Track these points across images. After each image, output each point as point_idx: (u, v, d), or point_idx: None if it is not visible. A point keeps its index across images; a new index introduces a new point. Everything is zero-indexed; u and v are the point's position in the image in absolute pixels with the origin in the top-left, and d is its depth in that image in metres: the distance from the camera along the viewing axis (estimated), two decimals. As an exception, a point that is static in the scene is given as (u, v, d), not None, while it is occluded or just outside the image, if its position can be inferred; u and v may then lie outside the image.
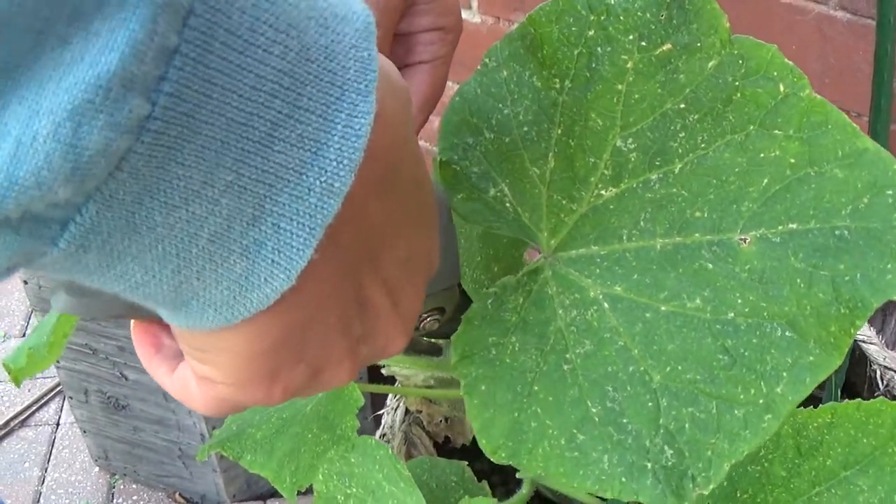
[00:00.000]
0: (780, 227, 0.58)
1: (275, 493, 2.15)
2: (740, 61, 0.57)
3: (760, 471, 0.79)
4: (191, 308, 0.37)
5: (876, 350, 1.21)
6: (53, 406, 2.46)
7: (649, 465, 0.58)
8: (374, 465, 0.81)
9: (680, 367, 0.58)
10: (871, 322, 1.34)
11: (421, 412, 1.06)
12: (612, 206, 0.60)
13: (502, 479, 1.00)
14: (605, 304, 0.59)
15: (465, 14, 1.85)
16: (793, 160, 0.58)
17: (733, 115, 0.58)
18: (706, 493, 0.58)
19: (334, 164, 0.35)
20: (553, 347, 0.59)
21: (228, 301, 0.37)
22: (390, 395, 1.09)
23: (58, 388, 2.41)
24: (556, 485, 0.96)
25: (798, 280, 0.58)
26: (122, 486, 2.23)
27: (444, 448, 1.06)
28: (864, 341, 1.20)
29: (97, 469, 2.26)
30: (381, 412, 1.10)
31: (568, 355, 0.59)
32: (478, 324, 0.60)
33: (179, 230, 0.34)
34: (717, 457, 0.58)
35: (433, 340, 0.85)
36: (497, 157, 0.62)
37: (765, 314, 0.58)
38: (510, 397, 0.59)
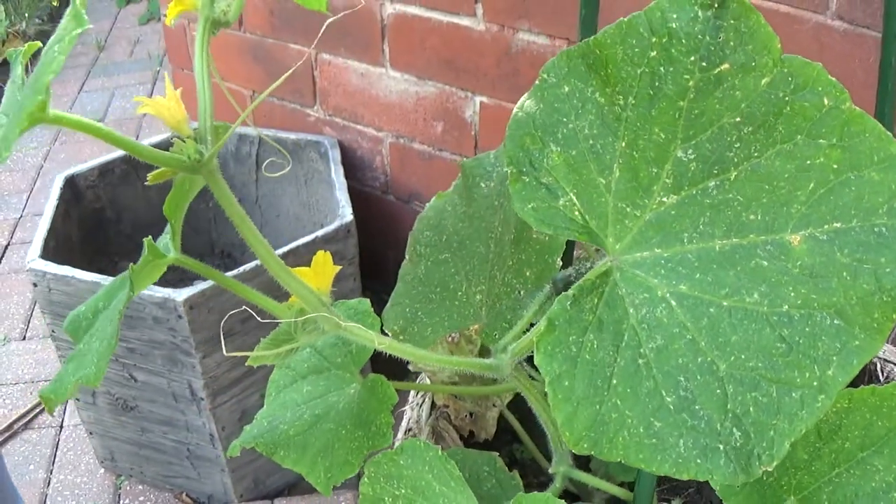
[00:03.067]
0: (826, 227, 0.64)
1: (281, 493, 2.19)
2: (790, 78, 0.63)
3: (787, 455, 0.86)
4: None
5: None
6: (56, 408, 2.44)
7: (721, 446, 0.63)
8: (423, 466, 0.86)
9: (743, 357, 0.64)
10: None
11: (448, 406, 1.11)
12: (673, 212, 0.66)
13: (523, 471, 1.05)
14: (673, 302, 0.65)
15: (469, 21, 1.89)
16: (836, 166, 0.64)
17: (783, 127, 0.64)
18: (770, 469, 0.64)
19: None
20: (628, 343, 0.65)
21: None
22: (412, 392, 1.14)
23: (60, 390, 2.43)
24: (600, 470, 1.02)
25: (844, 273, 0.64)
26: (128, 487, 2.25)
27: (469, 442, 1.11)
28: None
29: (103, 470, 2.28)
30: (402, 409, 1.15)
31: (641, 350, 0.65)
32: (559, 324, 0.65)
33: None
34: (778, 436, 0.64)
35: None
36: (564, 168, 0.67)
37: (815, 305, 0.64)
38: (592, 391, 0.64)
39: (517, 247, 0.93)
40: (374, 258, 2.22)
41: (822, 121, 0.64)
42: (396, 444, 1.00)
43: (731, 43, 0.63)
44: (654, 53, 0.64)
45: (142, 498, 2.22)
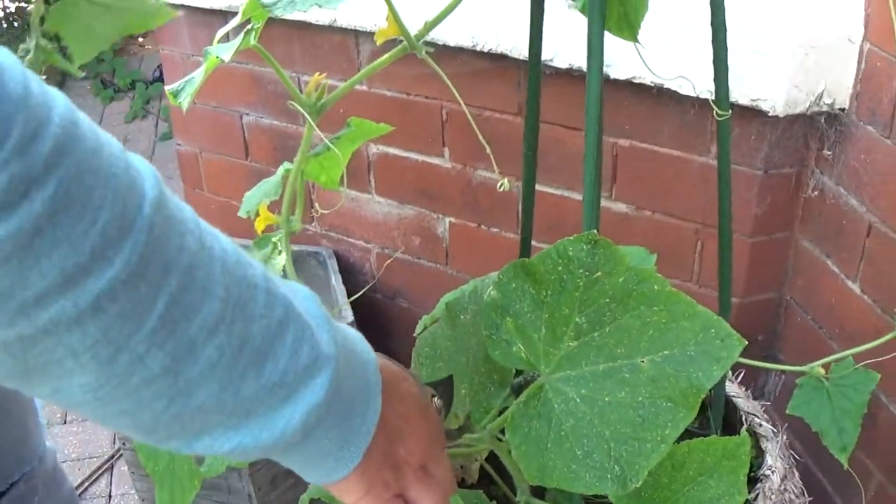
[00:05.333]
0: (660, 354, 1.17)
1: None
2: (635, 276, 1.17)
3: (653, 480, 1.39)
4: (319, 477, 0.88)
5: (742, 402, 1.85)
6: (104, 480, 2.77)
7: (609, 475, 1.16)
8: (442, 496, 1.38)
9: (618, 426, 1.16)
10: (746, 383, 1.97)
11: (447, 462, 1.65)
12: (576, 351, 1.19)
13: (499, 501, 1.58)
14: (578, 400, 1.18)
15: (438, 160, 2.37)
16: (664, 321, 1.17)
17: (633, 302, 1.17)
18: (638, 486, 1.17)
19: (368, 423, 0.87)
20: (555, 425, 1.18)
21: (333, 472, 0.88)
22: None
23: (107, 465, 2.79)
24: (550, 497, 1.55)
25: (671, 378, 1.17)
26: None
27: (461, 485, 1.65)
28: (735, 396, 1.85)
29: None
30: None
31: (562, 428, 1.18)
32: (516, 417, 1.19)
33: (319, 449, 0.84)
34: (640, 468, 1.16)
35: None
36: (515, 330, 1.20)
37: (657, 397, 1.17)
38: (538, 451, 1.17)
39: (487, 361, 1.45)
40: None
41: (654, 297, 1.17)
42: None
43: (602, 261, 1.17)
44: (560, 268, 1.18)
45: None
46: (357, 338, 0.90)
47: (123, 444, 2.35)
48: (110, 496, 2.74)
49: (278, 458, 0.85)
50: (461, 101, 1.37)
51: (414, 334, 1.61)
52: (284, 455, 0.83)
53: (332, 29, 2.42)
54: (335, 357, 0.79)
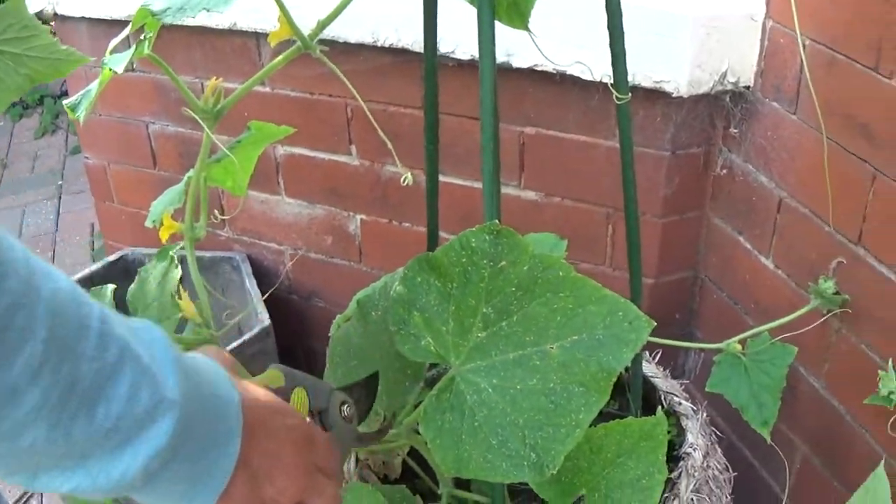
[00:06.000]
0: (569, 339, 1.17)
1: None
2: (540, 264, 1.17)
3: (572, 464, 1.40)
4: None
5: (660, 382, 1.86)
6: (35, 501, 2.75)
7: (525, 463, 1.16)
8: (362, 499, 1.37)
9: (532, 414, 1.16)
10: (665, 362, 1.99)
11: (367, 459, 1.64)
12: (485, 341, 1.19)
13: (422, 495, 1.57)
14: (490, 390, 1.18)
15: (346, 159, 2.38)
16: (571, 306, 1.17)
17: (539, 290, 1.17)
18: (555, 472, 1.16)
19: (224, 466, 0.83)
20: (468, 416, 1.17)
21: None
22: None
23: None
24: (475, 487, 1.55)
25: (582, 363, 1.17)
26: None
27: (384, 481, 1.64)
28: (653, 376, 1.86)
29: None
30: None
31: (476, 418, 1.17)
32: (429, 410, 1.18)
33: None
34: (556, 454, 1.16)
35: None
36: (423, 324, 1.20)
37: (568, 382, 1.17)
38: (453, 443, 1.17)
39: (399, 356, 1.45)
40: (284, 348, 2.59)
41: (560, 284, 1.17)
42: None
43: (505, 250, 1.16)
44: (464, 259, 1.17)
45: None
46: (217, 378, 0.87)
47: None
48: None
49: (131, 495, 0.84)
50: (359, 98, 1.36)
51: (329, 334, 1.60)
52: (134, 494, 0.82)
53: (232, 32, 2.39)
54: (180, 402, 0.76)
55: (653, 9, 1.88)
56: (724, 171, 2.03)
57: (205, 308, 1.29)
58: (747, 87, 1.94)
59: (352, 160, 2.38)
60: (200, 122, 1.20)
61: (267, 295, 2.01)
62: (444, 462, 1.17)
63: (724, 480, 1.76)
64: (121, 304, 1.34)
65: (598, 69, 1.81)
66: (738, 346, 1.83)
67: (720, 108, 1.99)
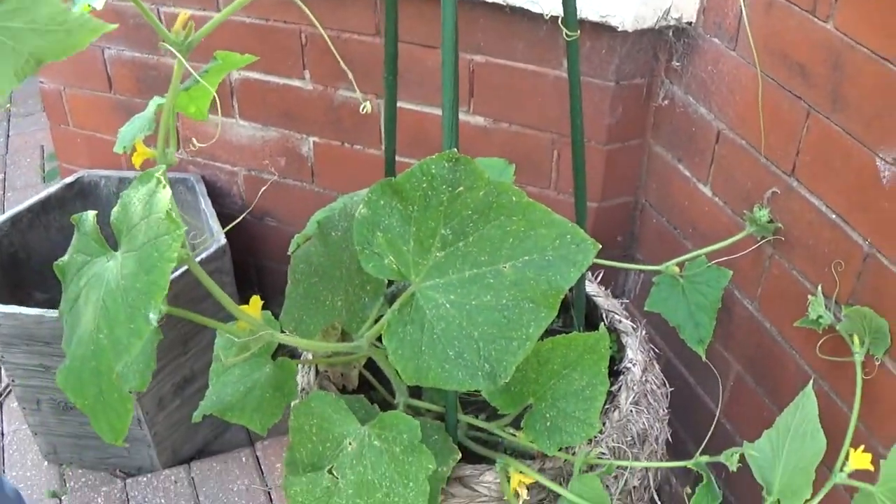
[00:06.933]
0: (521, 259, 1.26)
1: (194, 457, 2.62)
2: (495, 190, 1.25)
3: (522, 375, 1.50)
4: None
5: (602, 301, 1.96)
6: None
7: (480, 373, 1.25)
8: (325, 406, 1.46)
9: (486, 328, 1.25)
10: (607, 283, 2.08)
11: (327, 371, 1.73)
12: (443, 260, 1.28)
13: (379, 405, 1.67)
14: (448, 305, 1.27)
15: (300, 83, 2.42)
16: (523, 229, 1.26)
17: (493, 213, 1.26)
18: (507, 381, 1.26)
19: None
20: (427, 329, 1.26)
21: None
22: (301, 364, 1.75)
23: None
24: (426, 397, 1.64)
25: (532, 281, 1.26)
26: (70, 473, 2.59)
27: (343, 391, 1.73)
28: (595, 296, 1.96)
29: (47, 463, 2.60)
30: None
31: (434, 331, 1.26)
32: (392, 323, 1.27)
33: None
34: (508, 364, 1.25)
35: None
36: (385, 244, 1.28)
37: (520, 298, 1.26)
38: (413, 354, 1.26)
39: (360, 273, 1.53)
40: (236, 266, 2.65)
41: (513, 208, 1.25)
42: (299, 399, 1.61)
43: (463, 177, 1.25)
44: (424, 185, 1.26)
45: (83, 479, 2.58)
46: None
47: (12, 380, 2.38)
48: (2, 434, 2.76)
49: None
50: (319, 25, 1.42)
51: (288, 252, 1.67)
52: None
53: (189, -43, 2.43)
54: None
55: (600, -55, 1.95)
56: (666, 101, 2.11)
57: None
58: (690, 24, 2.01)
59: (305, 85, 2.43)
60: (177, 53, 1.26)
61: (230, 227, 2.07)
62: (405, 371, 1.26)
63: (662, 395, 1.86)
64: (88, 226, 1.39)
65: (547, 4, 1.88)
66: (676, 269, 1.93)
67: (663, 42, 2.07)
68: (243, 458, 2.62)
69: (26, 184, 3.88)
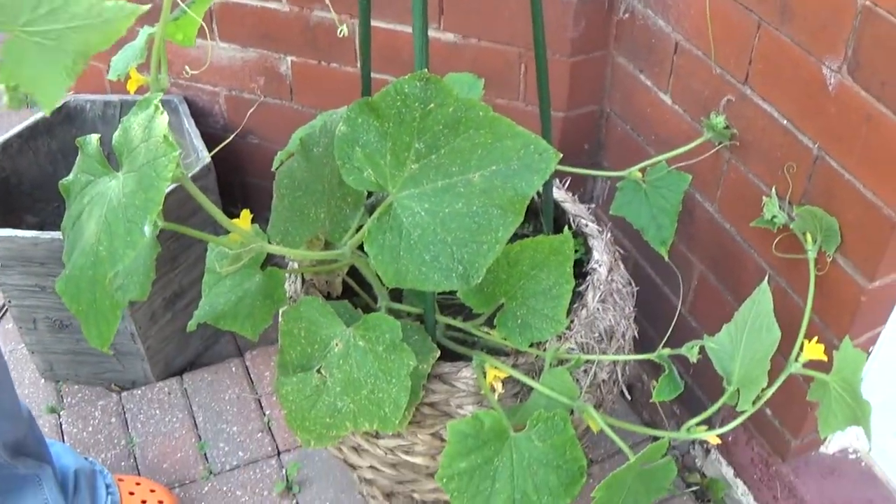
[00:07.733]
0: (489, 169, 1.36)
1: (185, 369, 2.70)
2: (464, 107, 1.35)
3: (493, 276, 1.61)
4: None
5: (569, 206, 2.06)
6: None
7: (454, 274, 1.36)
8: (313, 311, 1.57)
9: (458, 233, 1.35)
10: (575, 189, 2.18)
11: (312, 279, 1.84)
12: (417, 172, 1.38)
13: (363, 309, 1.78)
14: (423, 213, 1.37)
15: (276, 5, 2.48)
16: (489, 141, 1.36)
17: (462, 127, 1.35)
18: (479, 281, 1.36)
19: None
20: (405, 236, 1.37)
21: None
22: (288, 274, 1.86)
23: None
24: (407, 301, 1.75)
25: (499, 189, 1.36)
26: (66, 389, 2.65)
27: (328, 298, 1.85)
28: (563, 202, 2.07)
29: (43, 380, 2.66)
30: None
31: (412, 237, 1.36)
32: (372, 231, 1.38)
33: None
34: (480, 266, 1.35)
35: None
36: (364, 159, 1.39)
37: (489, 205, 1.36)
38: (392, 258, 1.36)
39: (341, 186, 1.63)
40: (221, 183, 2.72)
41: (480, 122, 1.35)
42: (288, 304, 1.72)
43: (433, 94, 1.34)
44: (399, 103, 1.35)
45: (80, 395, 2.64)
46: None
47: (9, 301, 2.46)
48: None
49: None
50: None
51: (272, 169, 1.76)
52: None
53: None
54: None
55: None
56: (627, 15, 2.20)
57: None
58: (647, -63, 2.10)
59: (282, 6, 2.50)
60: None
61: (217, 150, 2.14)
62: (386, 275, 1.38)
63: (627, 293, 1.97)
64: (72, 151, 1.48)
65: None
66: (639, 174, 2.03)
67: (623, -44, 2.15)
68: (233, 369, 2.70)
69: (11, 109, 3.90)
